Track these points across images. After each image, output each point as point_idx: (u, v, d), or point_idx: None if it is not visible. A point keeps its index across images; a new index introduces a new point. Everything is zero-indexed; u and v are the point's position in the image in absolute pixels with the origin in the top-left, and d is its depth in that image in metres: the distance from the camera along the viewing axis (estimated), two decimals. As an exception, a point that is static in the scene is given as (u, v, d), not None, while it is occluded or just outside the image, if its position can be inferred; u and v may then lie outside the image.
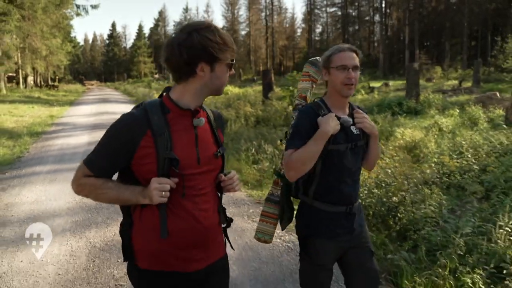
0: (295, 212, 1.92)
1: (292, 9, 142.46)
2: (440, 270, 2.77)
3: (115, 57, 71.66)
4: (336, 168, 1.73)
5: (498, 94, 13.42)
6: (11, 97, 21.31)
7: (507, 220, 3.18)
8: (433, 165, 5.37)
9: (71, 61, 45.41)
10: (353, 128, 1.76)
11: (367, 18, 52.80)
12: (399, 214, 3.71)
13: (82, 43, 75.50)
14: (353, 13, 53.63)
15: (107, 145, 1.29)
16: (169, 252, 1.32)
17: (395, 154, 5.77)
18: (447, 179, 4.90)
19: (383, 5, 48.10)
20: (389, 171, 4.59)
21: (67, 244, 3.47)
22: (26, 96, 22.89)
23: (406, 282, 2.81)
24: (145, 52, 65.58)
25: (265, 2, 59.32)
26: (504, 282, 2.68)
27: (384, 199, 3.91)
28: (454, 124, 8.46)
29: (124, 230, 1.35)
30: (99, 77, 68.40)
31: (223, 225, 1.50)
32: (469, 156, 5.44)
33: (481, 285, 2.69)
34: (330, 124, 1.62)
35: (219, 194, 1.48)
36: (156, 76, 47.46)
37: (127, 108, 17.28)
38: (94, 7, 28.95)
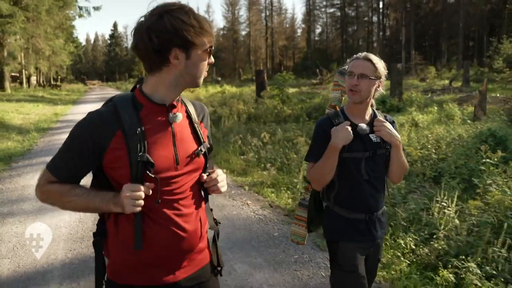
0: None
1: (292, 9, 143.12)
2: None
3: (116, 57, 72.41)
4: (353, 176, 1.74)
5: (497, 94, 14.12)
6: (16, 96, 22.05)
7: (442, 197, 3.88)
8: (422, 161, 6.08)
9: (73, 61, 46.16)
10: (372, 136, 1.75)
11: (365, 18, 53.42)
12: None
13: (84, 43, 76.32)
14: (352, 14, 54.27)
15: (71, 147, 1.15)
16: (146, 263, 1.20)
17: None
18: (410, 167, 5.60)
19: (381, 6, 48.73)
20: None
21: (76, 213, 4.20)
22: (30, 95, 23.64)
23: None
24: (146, 52, 66.39)
25: (265, 2, 60.03)
26: (431, 243, 3.37)
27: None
28: (430, 120, 9.15)
29: (97, 241, 1.22)
30: (100, 77, 69.15)
31: (210, 229, 1.36)
32: (430, 147, 6.13)
33: (412, 245, 3.39)
34: (339, 136, 1.63)
35: (203, 196, 1.33)
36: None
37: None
38: (96, 8, 29.74)
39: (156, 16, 1.09)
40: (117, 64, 71.09)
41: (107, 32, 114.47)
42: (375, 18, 51.77)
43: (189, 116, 1.28)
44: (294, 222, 2.05)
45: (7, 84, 25.14)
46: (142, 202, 1.11)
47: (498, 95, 13.92)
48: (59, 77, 44.89)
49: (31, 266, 3.06)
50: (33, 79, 34.48)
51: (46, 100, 21.67)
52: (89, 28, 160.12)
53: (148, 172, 1.12)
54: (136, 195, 1.10)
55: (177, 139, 1.21)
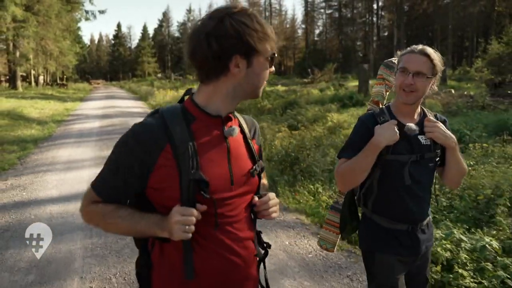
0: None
1: (293, 10, 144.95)
2: (300, 184, 5.19)
3: (120, 56, 74.17)
4: (396, 181, 1.57)
5: (452, 91, 15.75)
6: (28, 94, 23.95)
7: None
8: (342, 136, 7.81)
9: (78, 61, 47.99)
10: (421, 138, 1.58)
11: (363, 19, 55.01)
12: (300, 163, 6.05)
13: (88, 43, 78.32)
14: (348, 15, 55.89)
15: (116, 163, 1.05)
16: None
17: (316, 130, 8.28)
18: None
19: (375, 7, 50.38)
20: (305, 138, 7.05)
21: (94, 172, 6.00)
22: (40, 94, 25.53)
23: (280, 189, 5.18)
24: (149, 52, 68.15)
25: (265, 3, 61.79)
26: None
27: (292, 153, 6.27)
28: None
29: (141, 272, 1.11)
30: (104, 76, 70.91)
31: (260, 256, 1.20)
32: None
33: (320, 190, 5.12)
34: (383, 135, 1.48)
35: (253, 218, 1.17)
36: (159, 75, 49.97)
37: (131, 102, 19.97)
38: (102, 12, 31.66)
39: (217, 20, 0.98)
40: (120, 64, 72.88)
41: (111, 33, 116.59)
42: (373, 19, 53.40)
43: (242, 131, 1.15)
44: (324, 226, 1.89)
45: (19, 83, 27.08)
46: (193, 228, 0.98)
47: (465, 92, 15.55)
48: (65, 76, 46.84)
49: (70, 194, 4.86)
50: (41, 78, 36.46)
51: (56, 97, 23.54)
52: (94, 29, 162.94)
53: (202, 192, 0.99)
54: (188, 220, 0.96)
55: (232, 156, 1.09)
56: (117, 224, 1.06)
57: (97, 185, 1.09)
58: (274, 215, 1.16)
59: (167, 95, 19.99)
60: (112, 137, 9.24)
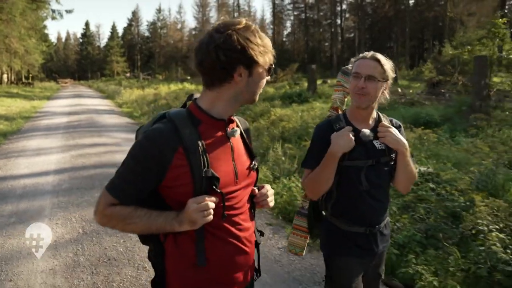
0: None
1: (262, 11, 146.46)
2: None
3: (88, 56, 72.94)
4: (354, 186, 1.62)
5: (399, 90, 17.49)
6: (-8, 92, 24.05)
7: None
8: (280, 128, 9.14)
9: (45, 60, 47.24)
10: (376, 143, 1.63)
11: (328, 21, 57.19)
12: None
13: (55, 41, 76.56)
14: (314, 17, 57.96)
15: (134, 167, 1.14)
16: (210, 280, 1.20)
17: (260, 122, 9.59)
18: (286, 134, 8.62)
19: (338, 10, 52.70)
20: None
21: (61, 156, 7.01)
22: (6, 92, 25.59)
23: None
24: (118, 51, 67.60)
25: (233, 4, 62.94)
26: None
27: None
28: (326, 106, 12.36)
29: (156, 261, 1.23)
30: (73, 76, 69.59)
31: (259, 242, 1.37)
32: (310, 121, 9.16)
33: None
34: (338, 143, 1.54)
35: (252, 210, 1.33)
36: (127, 75, 49.94)
37: (98, 101, 20.64)
38: (69, 11, 31.73)
39: (225, 35, 1.11)
40: (89, 63, 71.75)
41: (79, 31, 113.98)
42: (337, 22, 55.67)
43: (241, 132, 1.29)
44: (292, 232, 1.92)
45: (-18, 81, 26.85)
46: (212, 211, 1.11)
47: (399, 89, 17.33)
48: (31, 75, 46.05)
49: (40, 171, 5.89)
50: (5, 77, 35.95)
51: (22, 96, 23.77)
52: (61, 27, 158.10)
53: (214, 187, 1.13)
54: (207, 205, 1.10)
55: (235, 154, 1.23)
56: (136, 224, 1.14)
57: (115, 188, 1.16)
58: (271, 204, 1.32)
59: (134, 94, 20.75)
60: (78, 130, 10.21)
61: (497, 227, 2.98)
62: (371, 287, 1.79)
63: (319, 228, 1.83)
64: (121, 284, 2.89)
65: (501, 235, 2.82)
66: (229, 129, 1.22)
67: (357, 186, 1.63)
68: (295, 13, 61.63)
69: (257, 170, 1.32)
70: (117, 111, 15.38)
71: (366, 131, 1.60)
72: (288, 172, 5.32)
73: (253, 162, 1.30)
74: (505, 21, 10.01)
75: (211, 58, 1.12)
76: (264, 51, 1.16)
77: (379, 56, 1.62)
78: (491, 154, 5.14)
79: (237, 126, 1.30)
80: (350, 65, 1.75)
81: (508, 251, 2.68)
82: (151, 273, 1.98)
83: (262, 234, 1.41)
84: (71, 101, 20.62)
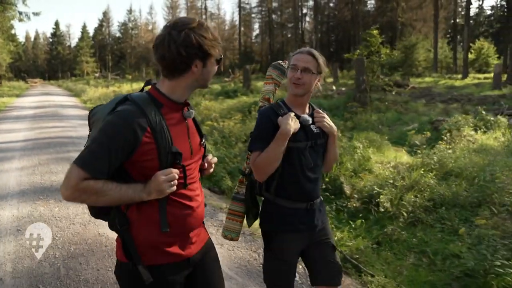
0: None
1: (232, 13, 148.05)
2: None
3: (59, 55, 72.38)
4: (296, 166, 1.79)
5: (333, 87, 20.32)
6: (-39, 90, 25.36)
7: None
8: (204, 114, 11.78)
9: (12, 59, 47.19)
10: (313, 127, 1.83)
11: (291, 24, 60.36)
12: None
13: (23, 41, 75.98)
14: (278, 20, 61.11)
15: (108, 144, 1.25)
16: (171, 242, 1.38)
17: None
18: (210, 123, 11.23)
19: (300, 14, 56.12)
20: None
21: (28, 133, 9.40)
22: (-26, 90, 26.98)
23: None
24: (88, 52, 68.05)
25: (201, 7, 65.16)
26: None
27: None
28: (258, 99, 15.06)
29: (123, 230, 1.36)
30: (42, 75, 68.89)
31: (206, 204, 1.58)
32: (233, 114, 11.77)
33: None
34: (289, 124, 1.69)
35: (200, 178, 1.56)
36: (97, 75, 50.79)
37: (65, 98, 22.60)
38: (36, 14, 32.61)
39: (184, 34, 1.29)
40: (59, 63, 71.33)
41: (48, 31, 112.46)
42: (301, 25, 58.92)
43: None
44: (227, 217, 1.95)
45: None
46: (177, 182, 1.32)
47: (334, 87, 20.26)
48: (-2, 74, 46.23)
49: (10, 141, 8.33)
50: (-30, 76, 36.29)
51: (-10, 94, 25.32)
52: (29, 26, 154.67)
53: (178, 161, 1.32)
54: (172, 177, 1.30)
55: (190, 132, 1.45)
56: (109, 196, 1.27)
57: (88, 164, 1.24)
58: (211, 170, 1.61)
59: (98, 91, 22.78)
60: (43, 119, 12.53)
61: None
62: (329, 259, 1.90)
63: (253, 212, 1.94)
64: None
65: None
66: (185, 111, 1.43)
67: (300, 166, 1.80)
68: (259, 16, 64.66)
69: (204, 146, 1.54)
70: (81, 106, 17.46)
71: (306, 116, 1.81)
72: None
73: (202, 140, 1.52)
74: (378, 32, 13.21)
75: (172, 54, 1.30)
76: (215, 45, 1.37)
77: (314, 51, 1.83)
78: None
79: (191, 108, 1.49)
80: (280, 61, 2.07)
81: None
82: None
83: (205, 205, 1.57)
84: (40, 98, 22.49)
